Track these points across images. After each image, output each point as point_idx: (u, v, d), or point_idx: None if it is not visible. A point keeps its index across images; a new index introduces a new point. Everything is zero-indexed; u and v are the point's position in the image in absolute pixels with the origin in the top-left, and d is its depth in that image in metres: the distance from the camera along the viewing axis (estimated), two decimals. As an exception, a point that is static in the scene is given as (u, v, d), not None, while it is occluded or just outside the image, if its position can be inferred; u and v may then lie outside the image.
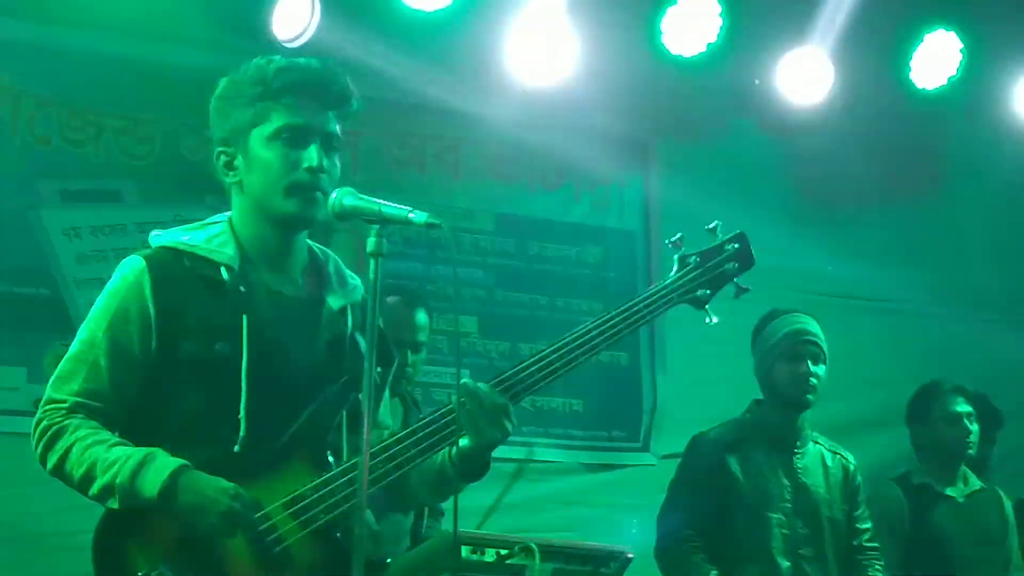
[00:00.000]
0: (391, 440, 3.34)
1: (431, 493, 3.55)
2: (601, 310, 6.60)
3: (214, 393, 3.28)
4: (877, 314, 7.56)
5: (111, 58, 6.08)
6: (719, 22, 6.82)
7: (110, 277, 3.39)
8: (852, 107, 7.22)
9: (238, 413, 3.27)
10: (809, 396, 5.40)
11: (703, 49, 6.83)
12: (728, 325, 7.03)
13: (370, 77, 6.53)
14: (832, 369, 5.54)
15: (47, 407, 3.32)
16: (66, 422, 3.28)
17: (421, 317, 5.16)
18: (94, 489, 3.22)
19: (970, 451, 6.07)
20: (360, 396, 3.22)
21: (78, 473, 3.23)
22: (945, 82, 7.32)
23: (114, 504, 3.20)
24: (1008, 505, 6.23)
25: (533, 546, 3.98)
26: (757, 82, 7.11)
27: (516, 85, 6.68)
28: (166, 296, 3.30)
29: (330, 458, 3.37)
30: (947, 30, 7.25)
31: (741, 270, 3.64)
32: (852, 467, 5.60)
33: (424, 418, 3.38)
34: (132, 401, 3.32)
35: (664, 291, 3.56)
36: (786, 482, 5.41)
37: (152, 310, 3.30)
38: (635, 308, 3.52)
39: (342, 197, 3.22)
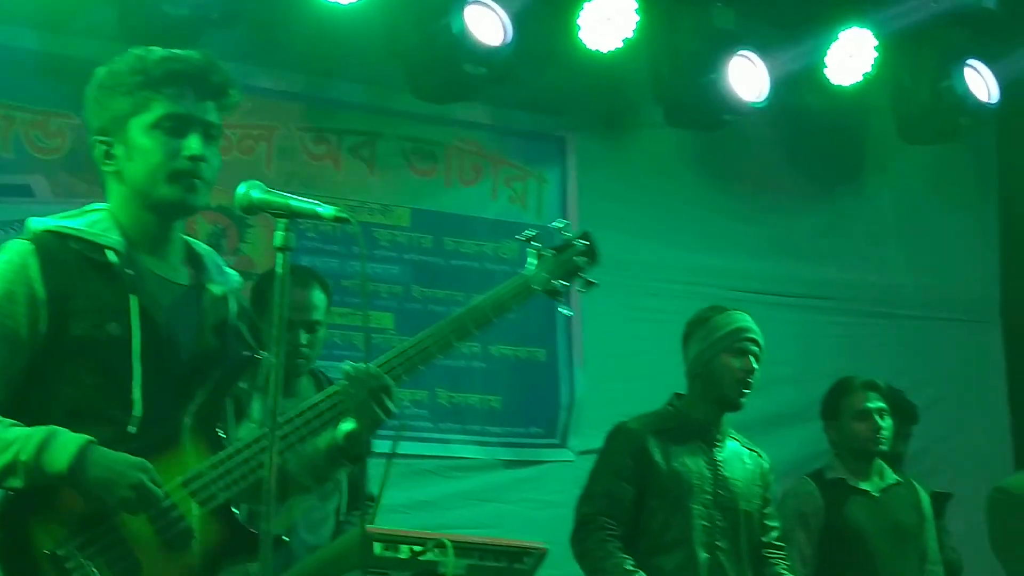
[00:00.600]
0: (251, 439, 3.37)
1: (312, 477, 3.60)
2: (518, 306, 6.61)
3: (106, 374, 3.27)
4: (794, 310, 7.59)
5: (20, 51, 6.00)
6: (635, 18, 6.82)
7: None
8: (771, 103, 7.23)
9: (130, 393, 3.27)
10: (744, 399, 5.43)
11: (620, 44, 6.83)
12: (646, 321, 7.15)
13: (284, 71, 6.52)
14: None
15: None
16: None
17: (316, 296, 5.12)
18: None
19: (882, 446, 6.10)
20: (243, 384, 3.33)
21: None
22: (860, 78, 7.37)
23: (17, 483, 3.16)
24: (925, 498, 6.27)
25: (447, 542, 3.94)
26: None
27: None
28: (55, 278, 3.28)
29: (222, 435, 3.42)
30: (861, 27, 7.29)
31: (589, 265, 3.93)
32: (767, 466, 5.63)
33: (314, 402, 3.47)
34: (19, 384, 3.28)
35: (526, 281, 3.80)
36: (707, 473, 5.42)
37: (41, 292, 3.27)
38: (500, 297, 3.74)
39: (250, 190, 3.24)
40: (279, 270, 3.12)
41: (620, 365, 7.01)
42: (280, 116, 6.50)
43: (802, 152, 7.75)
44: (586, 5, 6.78)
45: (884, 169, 8.10)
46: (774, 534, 5.59)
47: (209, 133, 3.42)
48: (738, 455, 5.56)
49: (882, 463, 6.18)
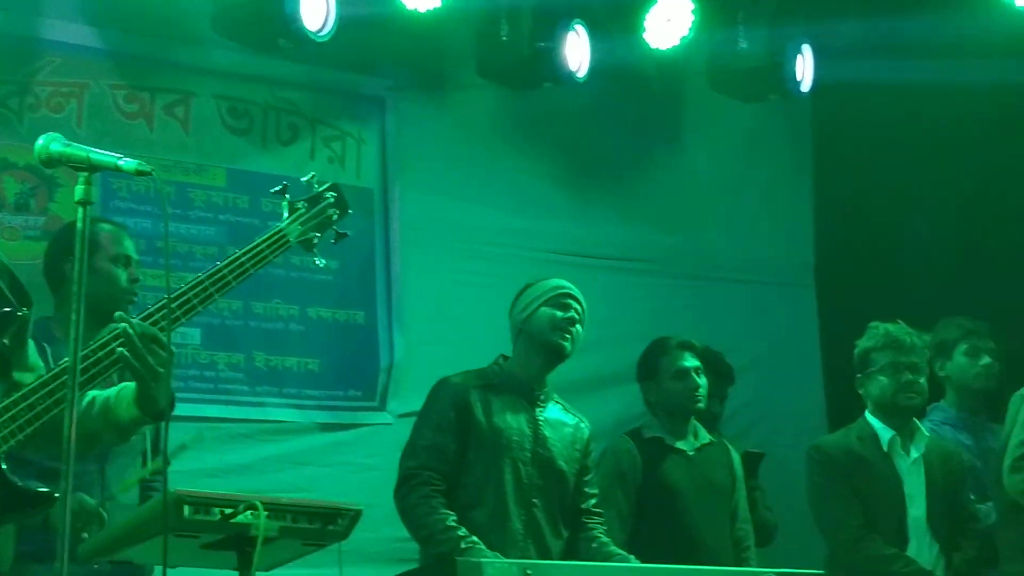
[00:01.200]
0: (26, 390, 3.36)
1: (115, 433, 3.63)
2: (338, 268, 6.57)
3: None
4: (611, 272, 7.62)
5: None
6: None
7: None
8: (592, 67, 7.25)
9: None
10: (566, 343, 5.45)
11: (438, 4, 6.77)
12: (466, 284, 7.14)
13: (95, 27, 6.36)
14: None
15: None
16: None
17: (126, 238, 5.19)
18: None
19: (699, 404, 6.16)
20: (5, 340, 3.31)
21: None
22: (678, 42, 7.41)
23: None
24: (736, 458, 6.36)
25: (258, 504, 3.89)
26: None
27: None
28: None
29: None
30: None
31: (340, 217, 4.16)
32: (587, 434, 5.67)
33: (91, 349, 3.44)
34: None
35: (281, 233, 3.96)
36: (527, 431, 5.45)
37: None
38: (258, 249, 3.87)
39: (49, 143, 3.21)
40: (79, 225, 3.08)
41: (440, 328, 6.99)
42: (91, 73, 6.34)
43: (619, 115, 7.78)
44: (406, -37, 6.72)
45: (701, 133, 8.17)
46: (592, 501, 5.63)
47: None
48: (560, 418, 5.59)
49: (697, 423, 6.25)
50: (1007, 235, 7.71)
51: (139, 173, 3.17)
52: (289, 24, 6.28)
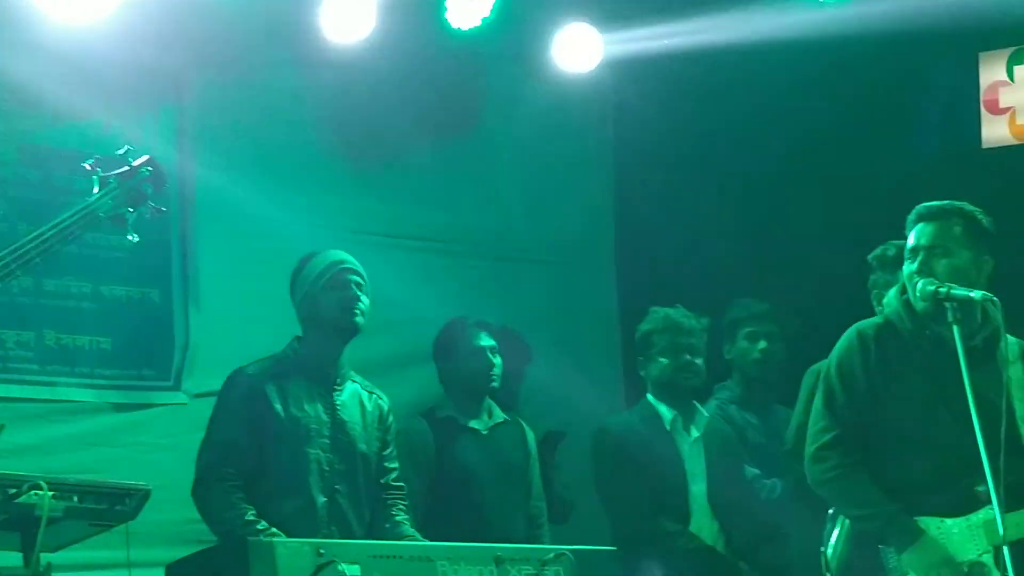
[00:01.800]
0: None
1: None
2: (132, 245, 6.46)
3: None
4: (409, 252, 7.60)
5: None
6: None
7: None
8: (391, 45, 7.23)
9: None
10: (358, 319, 5.45)
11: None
12: (262, 263, 7.06)
13: None
14: (372, 306, 5.61)
15: None
16: None
17: None
18: None
19: (493, 384, 6.22)
20: None
21: None
22: (479, 22, 7.42)
23: None
24: (530, 436, 6.43)
25: (43, 483, 3.85)
26: None
27: (49, 12, 6.39)
28: None
29: None
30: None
31: (157, 191, 4.13)
32: (386, 407, 5.71)
33: None
34: None
35: (90, 208, 3.94)
36: (325, 417, 5.46)
37: None
38: (66, 224, 3.87)
39: None
40: None
41: (236, 306, 6.90)
42: None
43: (418, 93, 7.75)
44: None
45: (502, 111, 8.18)
46: (392, 475, 5.66)
47: None
48: (357, 397, 5.61)
49: (491, 401, 6.30)
50: (799, 216, 7.83)
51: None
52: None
